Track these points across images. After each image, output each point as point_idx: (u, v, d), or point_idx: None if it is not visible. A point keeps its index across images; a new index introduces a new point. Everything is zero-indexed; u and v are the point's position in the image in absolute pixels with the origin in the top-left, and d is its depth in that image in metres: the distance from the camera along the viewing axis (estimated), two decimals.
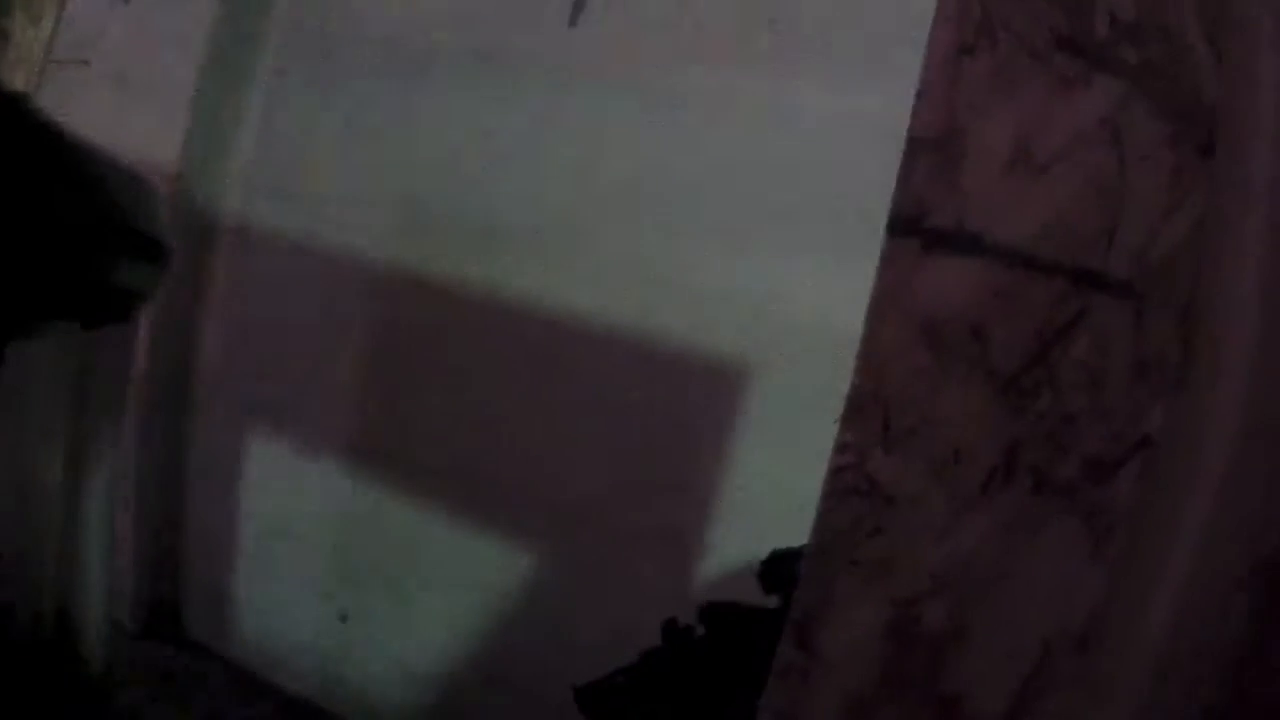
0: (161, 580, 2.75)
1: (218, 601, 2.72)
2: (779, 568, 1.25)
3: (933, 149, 0.69)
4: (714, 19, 2.23)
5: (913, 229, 0.71)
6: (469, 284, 2.42)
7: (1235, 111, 0.68)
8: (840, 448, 0.79)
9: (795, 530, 0.99)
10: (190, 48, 2.78)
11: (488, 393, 2.39)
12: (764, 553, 1.44)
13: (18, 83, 1.67)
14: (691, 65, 2.24)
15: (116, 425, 0.99)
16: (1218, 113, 0.68)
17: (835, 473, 0.78)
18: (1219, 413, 0.72)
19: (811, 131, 2.09)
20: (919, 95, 0.69)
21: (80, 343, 0.90)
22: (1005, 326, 0.70)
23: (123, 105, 3.03)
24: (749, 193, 2.16)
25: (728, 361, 2.13)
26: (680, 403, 2.18)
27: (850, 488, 0.77)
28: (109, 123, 2.80)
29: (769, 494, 2.02)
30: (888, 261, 0.75)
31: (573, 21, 2.39)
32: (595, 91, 2.34)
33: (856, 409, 0.78)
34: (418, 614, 2.42)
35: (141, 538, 2.74)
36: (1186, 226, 0.68)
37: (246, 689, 2.54)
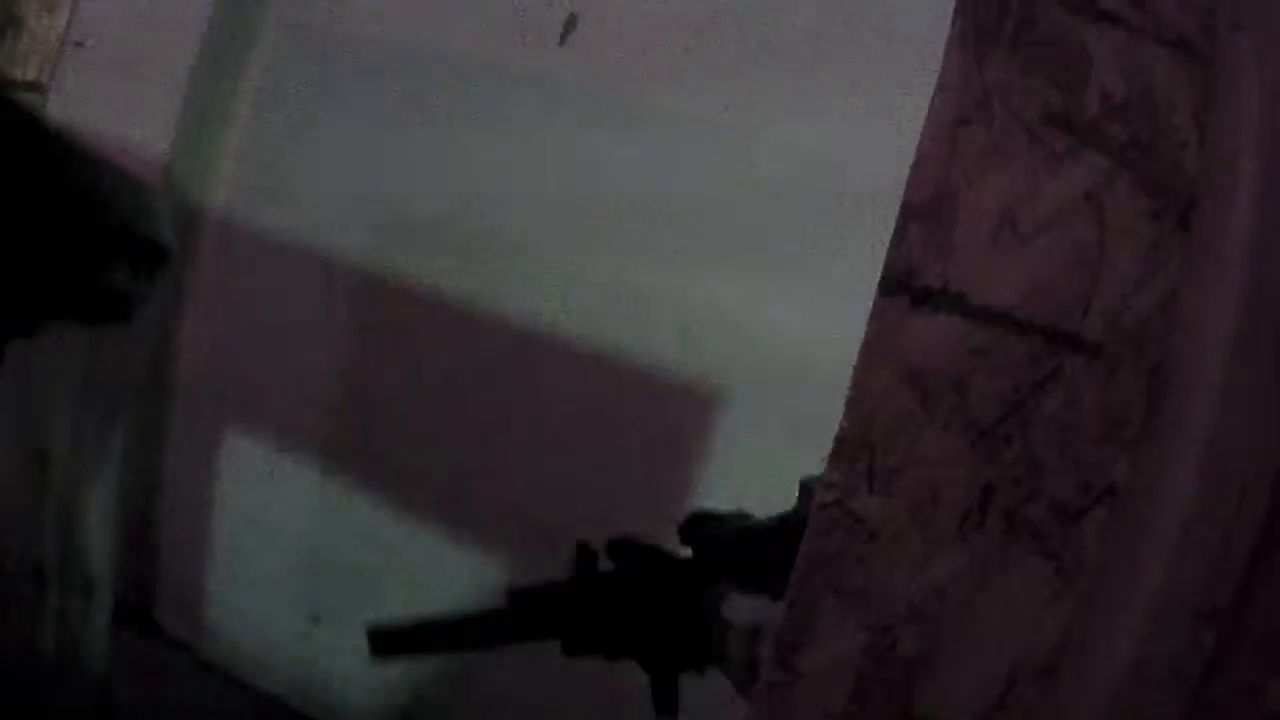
0: (134, 574, 2.77)
1: (191, 597, 2.74)
2: (699, 524, 1.28)
3: (925, 214, 0.74)
4: (703, 40, 2.28)
5: (902, 288, 0.77)
6: (449, 294, 2.46)
7: (1214, 187, 0.74)
8: (828, 485, 0.84)
9: None
10: (188, 36, 2.81)
11: (465, 401, 2.44)
12: None
13: (31, 72, 1.69)
14: (680, 86, 2.29)
15: (116, 425, 1.03)
16: (1197, 188, 0.74)
17: (822, 508, 0.84)
18: (1179, 464, 0.78)
19: (794, 156, 2.15)
20: (916, 163, 0.74)
21: (79, 343, 0.91)
22: (984, 379, 0.76)
23: (117, 91, 3.04)
24: (734, 214, 2.21)
25: (706, 383, 2.18)
26: (659, 422, 2.23)
27: (835, 522, 0.83)
28: (103, 108, 2.85)
29: None
30: (878, 316, 0.80)
31: (563, 40, 2.44)
32: (583, 110, 2.39)
33: (843, 450, 0.83)
34: (389, 616, 2.42)
35: (116, 535, 2.77)
36: (1160, 293, 0.74)
37: (218, 685, 2.56)
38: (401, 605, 2.42)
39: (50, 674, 0.91)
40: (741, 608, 1.12)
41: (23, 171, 0.75)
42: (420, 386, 2.48)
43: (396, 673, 2.41)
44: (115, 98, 2.94)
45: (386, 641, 1.34)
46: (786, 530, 1.17)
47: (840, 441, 0.84)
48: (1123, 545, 0.77)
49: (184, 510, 2.79)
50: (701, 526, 1.26)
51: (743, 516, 1.30)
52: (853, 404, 0.82)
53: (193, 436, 2.79)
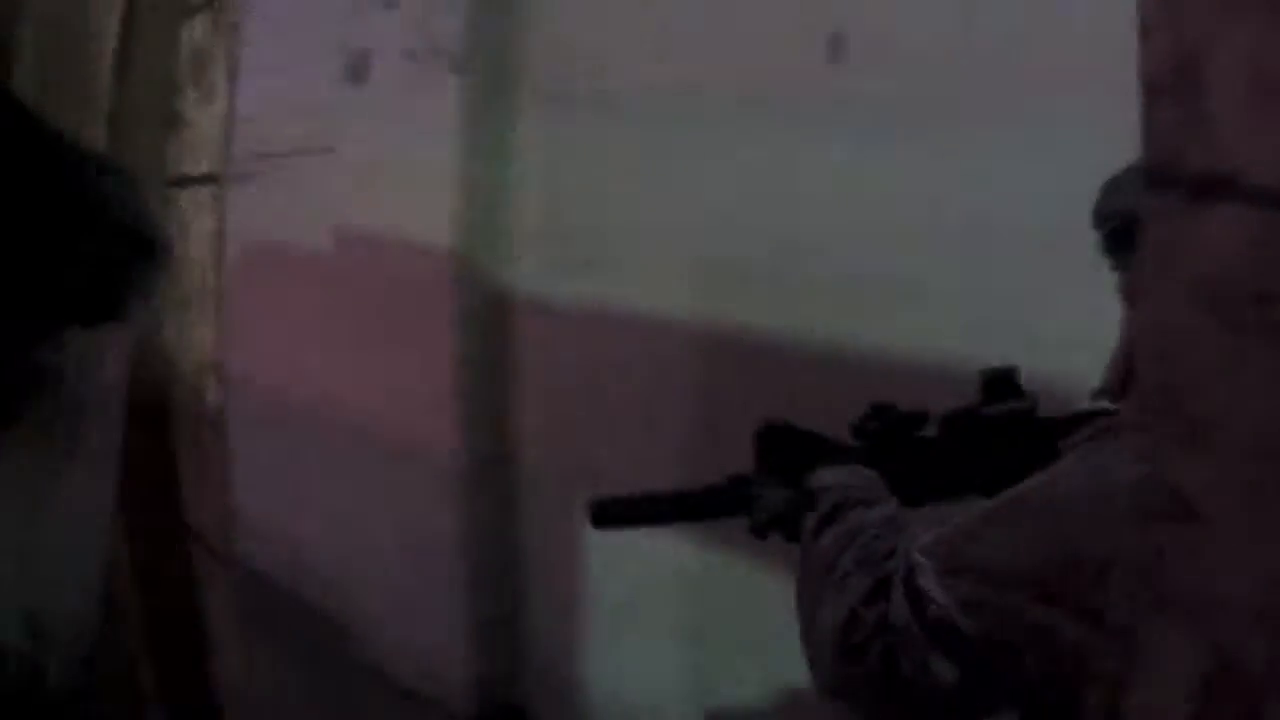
0: (500, 664, 2.80)
1: (563, 688, 2.72)
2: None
3: (1170, 89, 0.55)
4: (972, 57, 2.07)
5: (1170, 180, 0.57)
6: (781, 335, 2.31)
7: None
8: (1139, 457, 0.64)
9: None
10: (443, 125, 2.87)
11: None
12: None
13: (203, 167, 1.73)
14: (951, 101, 2.08)
15: (112, 426, 0.99)
16: None
17: (1138, 487, 0.64)
18: None
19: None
20: (1142, 34, 0.56)
21: (77, 342, 0.90)
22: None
23: (375, 190, 3.17)
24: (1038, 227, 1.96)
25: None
26: None
27: (1152, 504, 0.63)
28: (362, 209, 2.94)
29: None
30: (1154, 220, 0.60)
31: (832, 58, 2.28)
32: (873, 128, 2.20)
33: (1149, 406, 0.63)
34: (782, 682, 2.28)
35: (477, 622, 2.80)
36: None
37: None
38: (794, 669, 2.26)
39: (14, 686, 0.89)
40: None
41: (15, 169, 0.74)
42: None
43: None
44: (377, 196, 3.04)
45: (608, 512, 1.44)
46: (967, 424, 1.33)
47: (1142, 395, 0.64)
48: None
49: (547, 596, 2.79)
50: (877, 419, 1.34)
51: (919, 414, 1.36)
52: (1148, 338, 0.62)
53: (546, 521, 2.78)
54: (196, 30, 1.67)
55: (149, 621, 1.70)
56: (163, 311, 1.68)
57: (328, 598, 3.17)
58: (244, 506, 3.87)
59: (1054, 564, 1.01)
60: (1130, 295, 1.17)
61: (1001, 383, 1.43)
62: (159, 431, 1.70)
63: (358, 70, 3.25)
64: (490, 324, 2.86)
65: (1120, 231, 1.17)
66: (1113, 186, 1.22)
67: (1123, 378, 1.13)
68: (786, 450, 1.38)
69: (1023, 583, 1.02)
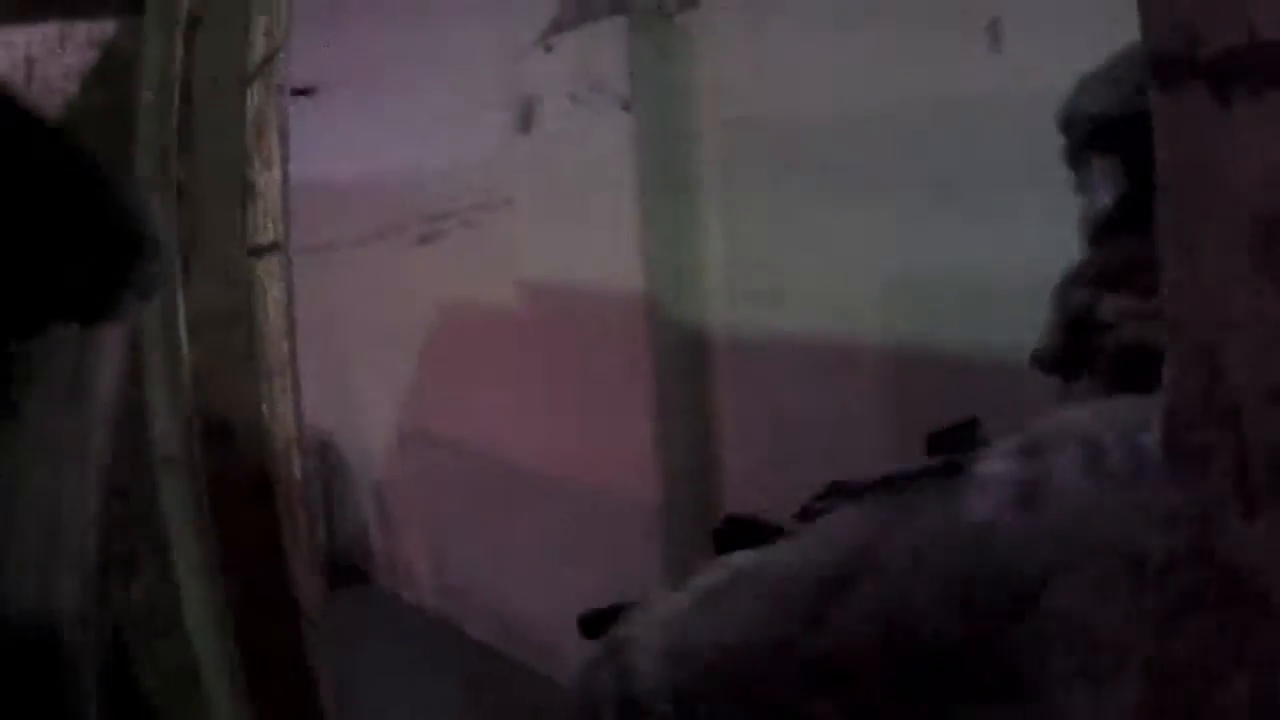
0: None
1: None
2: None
3: None
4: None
5: (1183, 67, 0.37)
6: (977, 355, 2.11)
7: None
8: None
9: None
10: (618, 165, 2.75)
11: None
12: None
13: (270, 235, 1.67)
14: None
15: (109, 426, 0.98)
16: None
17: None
18: None
19: None
20: None
21: (74, 342, 0.90)
22: None
23: (558, 238, 3.08)
24: None
25: None
26: None
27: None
28: (546, 258, 2.83)
29: None
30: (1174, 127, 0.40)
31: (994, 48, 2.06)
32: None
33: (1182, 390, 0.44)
34: None
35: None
36: None
37: None
38: None
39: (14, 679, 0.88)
40: None
41: (12, 167, 0.73)
42: None
43: None
44: (559, 243, 2.94)
45: (596, 624, 1.26)
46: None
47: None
48: None
49: None
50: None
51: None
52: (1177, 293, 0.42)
53: None
54: (254, 97, 1.61)
55: (257, 693, 1.65)
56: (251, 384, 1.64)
57: (540, 660, 3.09)
58: (453, 571, 3.91)
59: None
60: (1090, 228, 1.00)
61: (950, 440, 1.22)
62: (262, 506, 1.65)
63: (526, 118, 3.19)
64: (686, 366, 2.73)
65: (1089, 139, 0.98)
66: (1085, 86, 1.01)
67: (1062, 345, 0.94)
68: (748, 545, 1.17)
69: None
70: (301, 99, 4.97)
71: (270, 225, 1.61)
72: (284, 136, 1.65)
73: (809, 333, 2.46)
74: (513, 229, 3.28)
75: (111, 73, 1.60)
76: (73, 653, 0.97)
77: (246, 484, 1.62)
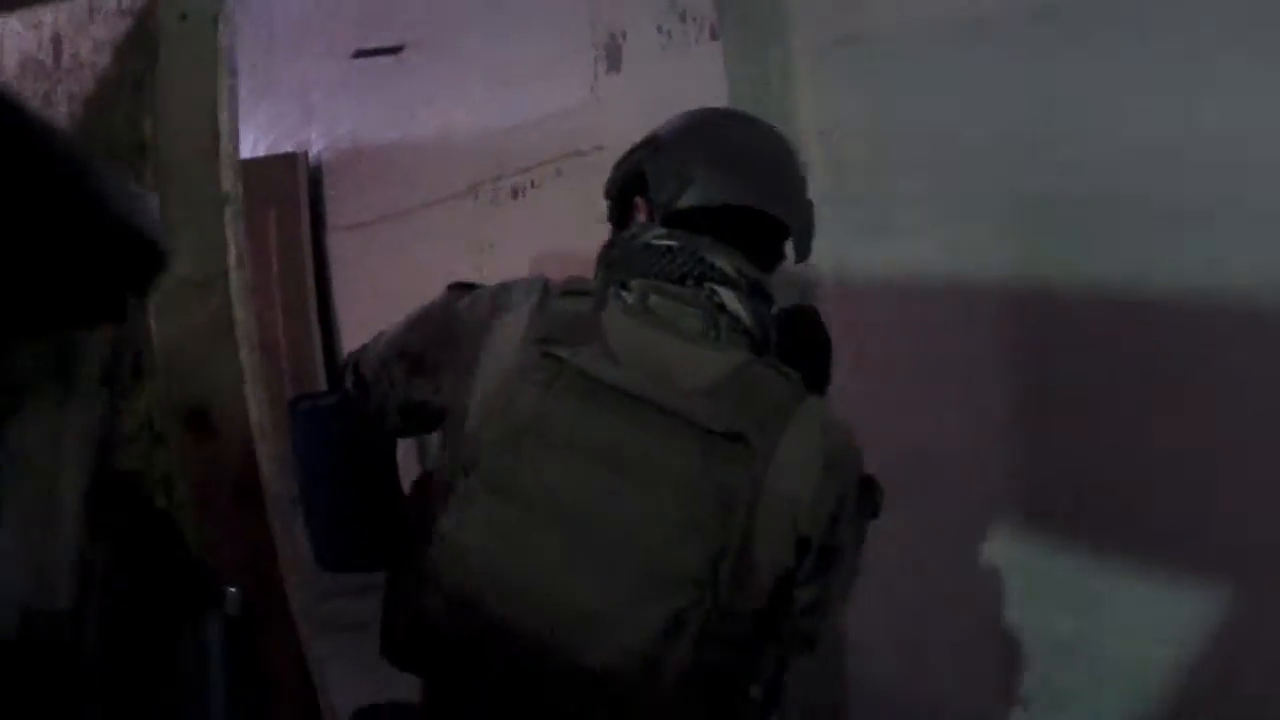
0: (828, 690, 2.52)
1: (878, 687, 2.43)
2: None
3: None
4: None
5: None
6: (1103, 276, 1.94)
7: None
8: None
9: None
10: (713, 96, 2.49)
11: (1138, 415, 1.88)
12: None
13: (227, 185, 1.58)
14: None
15: (107, 426, 1.04)
16: None
17: None
18: None
19: None
20: None
21: (72, 342, 0.94)
22: None
23: None
24: None
25: None
26: None
27: None
28: None
29: None
30: None
31: None
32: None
33: None
34: (1107, 679, 1.92)
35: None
36: None
37: None
38: (1117, 665, 1.93)
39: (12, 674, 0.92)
40: None
41: (10, 167, 0.72)
42: (1110, 405, 1.96)
43: None
44: None
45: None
46: None
47: None
48: None
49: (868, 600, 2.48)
50: None
51: None
52: None
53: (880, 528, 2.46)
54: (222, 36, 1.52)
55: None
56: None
57: None
58: None
59: None
60: None
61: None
62: (249, 511, 1.53)
63: (613, 57, 3.06)
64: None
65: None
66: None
67: None
68: None
69: None
70: (387, 59, 4.94)
71: (228, 176, 1.51)
72: (232, 89, 1.54)
73: (919, 267, 2.30)
74: (605, 176, 3.17)
75: (145, 41, 1.50)
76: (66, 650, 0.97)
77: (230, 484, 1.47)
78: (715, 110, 1.43)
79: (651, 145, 1.39)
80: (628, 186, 1.43)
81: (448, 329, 1.36)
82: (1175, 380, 1.79)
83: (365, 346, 1.47)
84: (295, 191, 5.73)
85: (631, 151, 1.42)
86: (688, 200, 1.33)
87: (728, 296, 1.30)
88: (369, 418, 1.42)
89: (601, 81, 3.12)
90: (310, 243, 5.77)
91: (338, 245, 5.63)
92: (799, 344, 1.40)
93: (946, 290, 2.21)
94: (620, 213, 1.44)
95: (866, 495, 1.34)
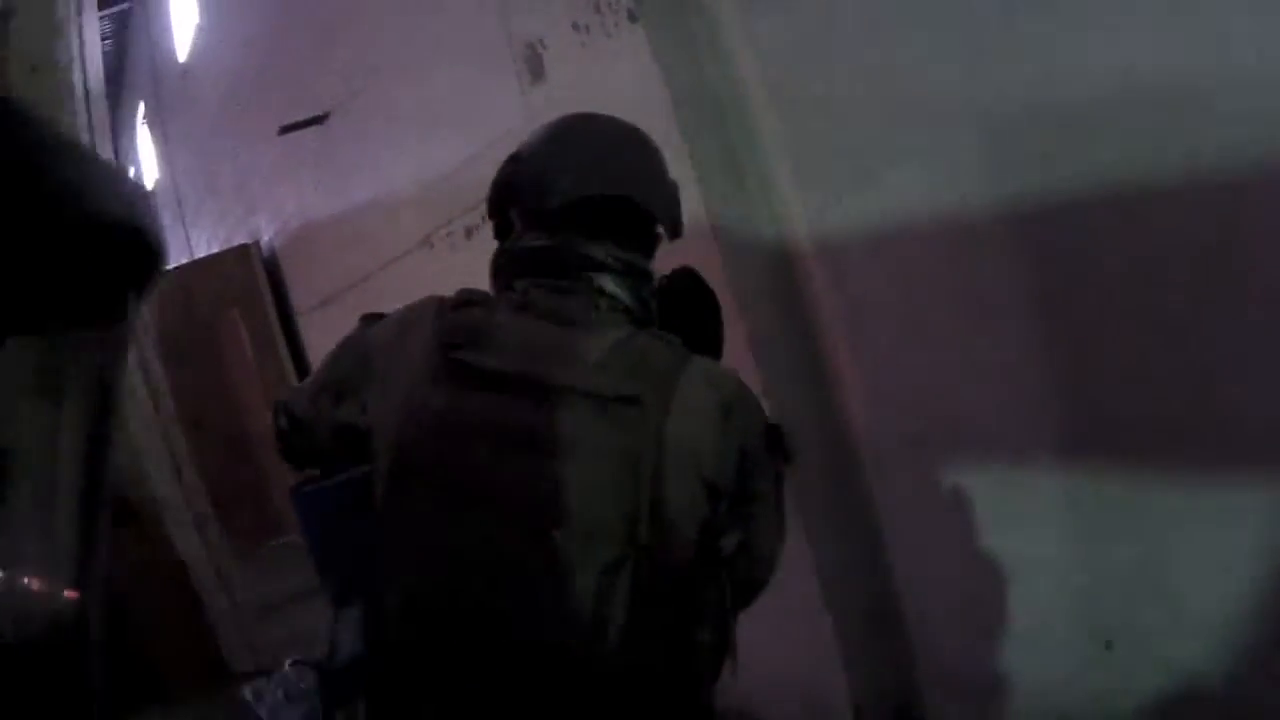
0: (888, 666, 2.36)
1: (959, 671, 2.27)
2: None
3: None
4: None
5: None
6: (1087, 206, 1.77)
7: None
8: None
9: None
10: (644, 79, 2.42)
11: (1204, 342, 1.71)
12: None
13: None
14: None
15: (105, 428, 0.96)
16: None
17: None
18: None
19: None
20: None
21: (71, 341, 0.92)
22: None
23: None
24: None
25: None
26: None
27: None
28: None
29: None
30: None
31: None
32: None
33: None
34: (1189, 617, 1.78)
35: (851, 625, 2.36)
36: None
37: None
38: (1201, 601, 1.78)
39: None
40: None
41: (8, 166, 0.72)
42: (1144, 340, 1.75)
43: (1204, 683, 1.76)
44: None
45: None
46: None
47: None
48: None
49: (923, 573, 2.33)
50: None
51: None
52: None
53: (909, 491, 2.28)
54: None
55: None
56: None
57: None
58: None
59: None
60: None
61: None
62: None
63: (535, 67, 2.93)
64: (773, 285, 2.42)
65: None
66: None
67: None
68: None
69: None
70: (314, 130, 4.82)
71: None
72: None
73: (909, 214, 2.12)
74: None
75: None
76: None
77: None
78: (567, 116, 1.52)
79: (514, 159, 1.51)
80: (500, 200, 1.53)
81: (362, 354, 1.48)
82: (1201, 277, 1.64)
83: (295, 389, 1.60)
84: (254, 282, 5.62)
85: (500, 168, 1.53)
86: (553, 200, 1.43)
87: (604, 281, 1.42)
88: (302, 450, 1.55)
89: (530, 95, 2.98)
90: (281, 329, 5.66)
91: (308, 328, 5.52)
92: (684, 309, 1.51)
93: (939, 234, 2.06)
94: (501, 226, 1.54)
95: (774, 440, 1.42)
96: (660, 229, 1.49)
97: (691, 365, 1.35)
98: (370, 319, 1.56)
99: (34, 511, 0.98)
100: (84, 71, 3.28)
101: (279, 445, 1.55)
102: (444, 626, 1.32)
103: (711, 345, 1.53)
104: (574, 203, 1.42)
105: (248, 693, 2.24)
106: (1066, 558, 1.98)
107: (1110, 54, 1.67)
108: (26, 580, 0.97)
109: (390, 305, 3.70)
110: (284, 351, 5.72)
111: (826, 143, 2.23)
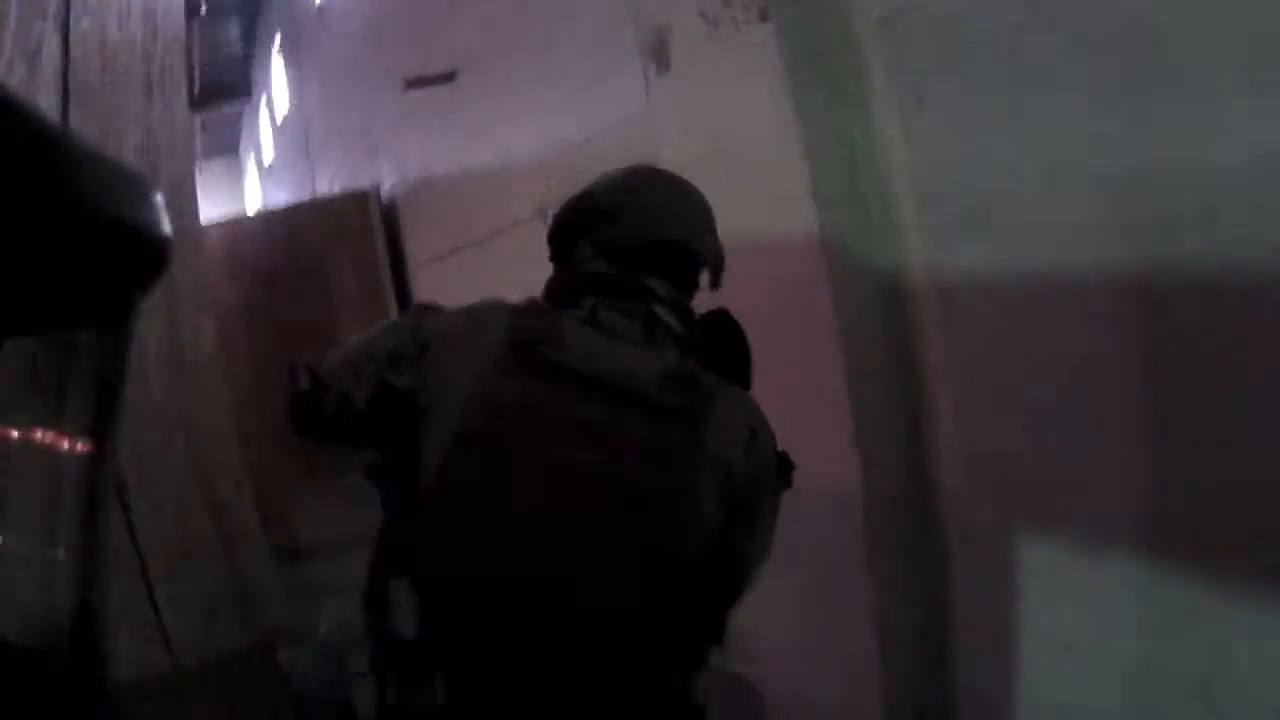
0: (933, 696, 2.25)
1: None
2: None
3: None
4: None
5: None
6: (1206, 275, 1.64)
7: None
8: None
9: None
10: (769, 85, 2.33)
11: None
12: None
13: None
14: None
15: (107, 426, 1.01)
16: None
17: None
18: None
19: None
20: None
21: (71, 340, 0.93)
22: None
23: (715, 182, 2.61)
24: None
25: None
26: None
27: None
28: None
29: None
30: None
31: None
32: None
33: None
34: None
35: (903, 656, 2.24)
36: None
37: None
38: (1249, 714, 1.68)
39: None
40: None
41: (10, 165, 0.70)
42: (1242, 419, 1.64)
43: None
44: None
45: None
46: None
47: None
48: None
49: (980, 630, 2.22)
50: None
51: None
52: None
53: (975, 547, 2.21)
54: None
55: None
56: None
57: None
58: None
59: None
60: None
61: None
62: None
63: (660, 56, 2.79)
64: (880, 319, 2.29)
65: None
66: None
67: None
68: None
69: None
70: (439, 87, 4.75)
71: None
72: None
73: (1017, 267, 2.01)
74: None
75: None
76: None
77: None
78: (639, 166, 1.73)
79: (589, 195, 1.68)
80: (569, 227, 1.68)
81: (419, 336, 1.56)
82: None
83: (319, 357, 1.66)
84: (367, 230, 5.59)
85: (570, 201, 1.69)
86: (623, 235, 1.60)
87: (661, 310, 1.59)
88: (324, 414, 1.60)
89: (653, 84, 2.86)
90: (392, 279, 5.63)
91: (421, 281, 5.48)
92: (721, 344, 1.67)
93: (1045, 292, 1.96)
94: (562, 251, 1.69)
95: (783, 467, 1.55)
96: (704, 276, 1.66)
97: (729, 390, 1.53)
98: (426, 309, 1.66)
99: (35, 511, 1.00)
100: None
101: (290, 406, 1.63)
102: (508, 592, 1.41)
103: (741, 379, 1.67)
104: (641, 241, 1.60)
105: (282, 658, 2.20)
106: (1125, 650, 1.90)
107: (1241, 126, 1.60)
108: (28, 580, 0.99)
109: (504, 271, 3.61)
110: (392, 302, 5.69)
111: (955, 178, 2.08)
